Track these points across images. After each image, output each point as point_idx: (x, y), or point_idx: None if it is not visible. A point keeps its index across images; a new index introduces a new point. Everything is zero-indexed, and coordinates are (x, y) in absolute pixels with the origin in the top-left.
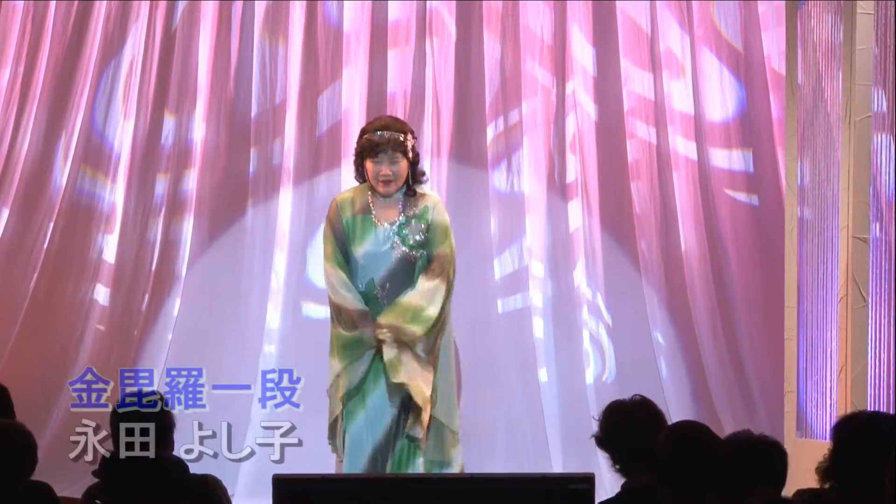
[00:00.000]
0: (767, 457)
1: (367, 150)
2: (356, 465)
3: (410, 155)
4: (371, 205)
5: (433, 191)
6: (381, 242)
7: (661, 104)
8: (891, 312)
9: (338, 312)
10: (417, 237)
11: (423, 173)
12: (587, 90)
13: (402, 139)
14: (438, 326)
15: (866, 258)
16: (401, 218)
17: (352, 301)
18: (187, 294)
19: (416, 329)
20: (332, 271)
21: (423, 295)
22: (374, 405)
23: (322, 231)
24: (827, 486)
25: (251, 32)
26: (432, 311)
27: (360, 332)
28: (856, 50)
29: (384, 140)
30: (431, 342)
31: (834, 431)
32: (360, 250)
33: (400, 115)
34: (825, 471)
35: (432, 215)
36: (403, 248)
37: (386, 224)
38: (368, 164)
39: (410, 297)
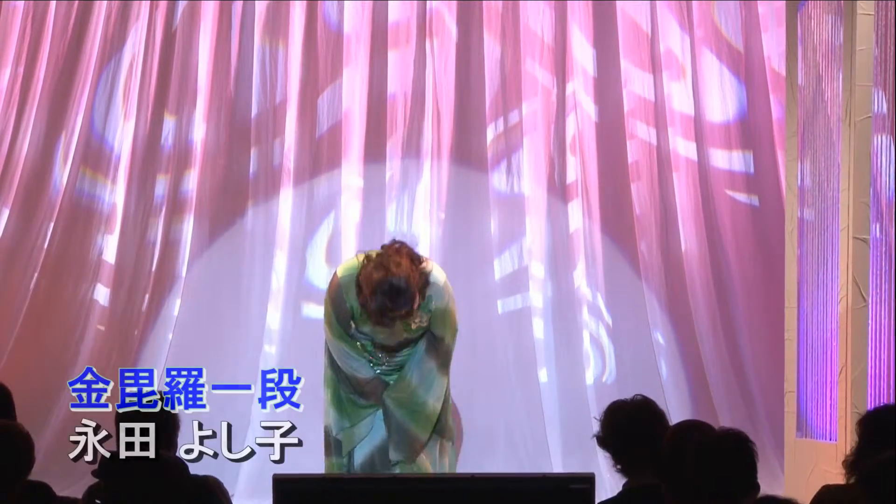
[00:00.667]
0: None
1: (372, 314)
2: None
3: (417, 303)
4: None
5: (436, 267)
6: (385, 335)
7: (661, 105)
8: (891, 313)
9: (344, 377)
10: (423, 324)
11: (427, 280)
12: (587, 91)
13: (411, 314)
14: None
15: (866, 259)
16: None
17: (363, 370)
18: (187, 294)
19: (422, 435)
20: (336, 345)
21: (424, 380)
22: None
23: (325, 306)
24: (853, 479)
25: (251, 33)
26: (432, 405)
27: (367, 401)
28: (856, 51)
29: (391, 320)
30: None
31: (860, 426)
32: (364, 329)
33: (400, 116)
34: (851, 465)
35: (435, 304)
36: (406, 335)
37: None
38: (374, 320)
39: (415, 383)
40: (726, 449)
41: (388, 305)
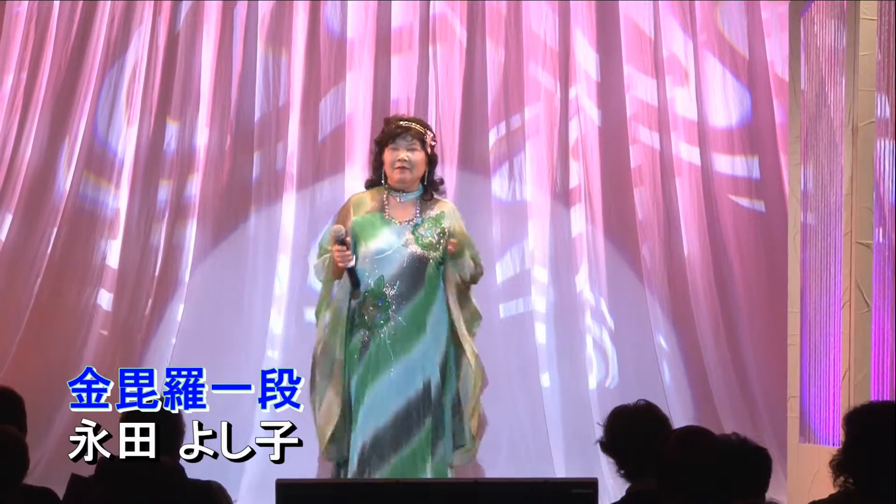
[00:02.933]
0: (747, 462)
1: (386, 137)
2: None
3: (429, 150)
4: (386, 204)
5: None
6: (393, 239)
7: (664, 109)
8: (894, 318)
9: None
10: (432, 239)
11: (442, 181)
12: (590, 95)
13: (421, 130)
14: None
15: (869, 263)
16: (416, 219)
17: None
18: (190, 299)
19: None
20: (319, 261)
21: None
22: (376, 395)
23: (327, 226)
24: (840, 480)
25: (254, 37)
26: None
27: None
28: (859, 55)
29: (404, 126)
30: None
31: (845, 424)
32: (371, 246)
33: None
34: (839, 465)
35: (450, 222)
36: (416, 247)
37: (400, 223)
38: (386, 153)
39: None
40: (751, 461)
41: (407, 116)
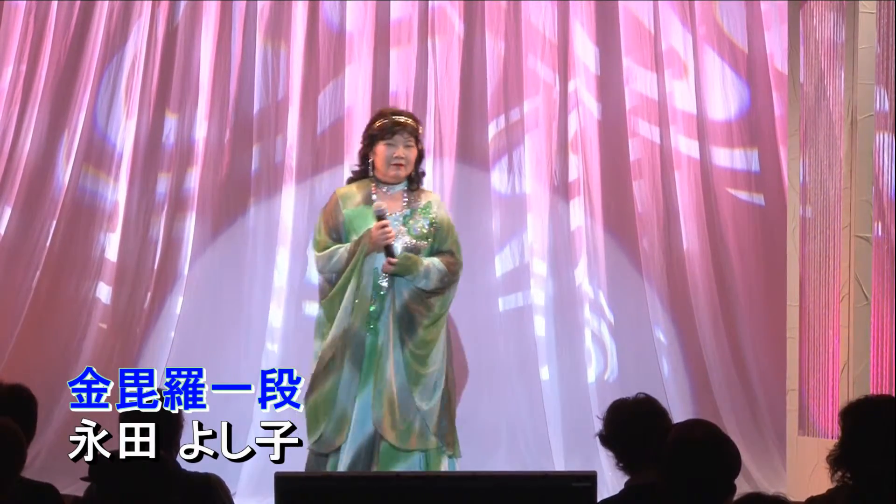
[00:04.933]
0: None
1: (384, 131)
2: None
3: (420, 146)
4: (374, 197)
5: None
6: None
7: (663, 103)
8: (893, 311)
9: (333, 265)
10: (423, 230)
11: (424, 172)
12: (589, 88)
13: (417, 127)
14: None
15: (868, 257)
16: (406, 210)
17: (341, 247)
18: (189, 292)
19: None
20: (322, 256)
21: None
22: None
23: (317, 222)
24: (838, 475)
25: (253, 30)
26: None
27: (354, 261)
28: (858, 49)
29: (402, 122)
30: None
31: (842, 418)
32: (362, 231)
33: None
34: (836, 460)
35: (437, 212)
36: (408, 238)
37: (390, 214)
38: (381, 148)
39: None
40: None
41: (400, 110)
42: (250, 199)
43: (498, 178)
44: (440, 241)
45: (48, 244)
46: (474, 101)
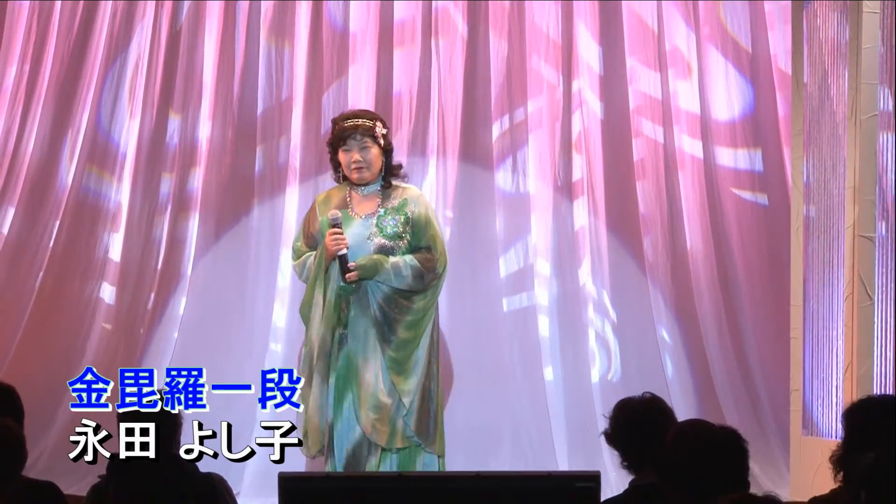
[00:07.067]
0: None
1: (337, 139)
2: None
3: (381, 142)
4: (349, 200)
5: (415, 185)
6: (358, 234)
7: (667, 103)
8: None
9: (305, 273)
10: (396, 228)
11: (401, 166)
12: (593, 88)
13: (370, 125)
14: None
15: (872, 256)
16: (379, 210)
17: (311, 255)
18: (193, 292)
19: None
20: (299, 263)
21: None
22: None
23: (297, 229)
24: (841, 475)
25: (257, 30)
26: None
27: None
28: (862, 49)
29: (351, 126)
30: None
31: (845, 418)
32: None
33: (406, 114)
34: (839, 460)
35: (413, 208)
36: (381, 239)
37: (363, 216)
38: (341, 155)
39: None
40: (719, 447)
41: (353, 112)
42: (254, 200)
43: (502, 179)
44: (417, 237)
45: (51, 244)
46: (478, 101)
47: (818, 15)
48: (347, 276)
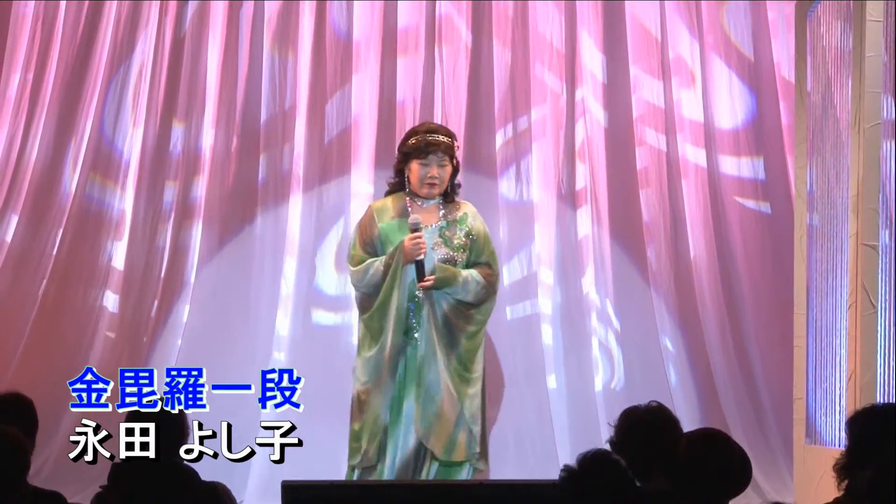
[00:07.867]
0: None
1: (418, 150)
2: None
3: (455, 161)
4: (410, 210)
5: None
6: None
7: (670, 111)
8: None
9: (369, 279)
10: (460, 240)
11: (460, 184)
12: (597, 97)
13: (451, 144)
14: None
15: (875, 265)
16: (442, 222)
17: (376, 260)
18: (196, 300)
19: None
20: (358, 270)
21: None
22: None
23: (352, 237)
24: (845, 483)
25: (260, 39)
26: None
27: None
28: (865, 57)
29: (436, 143)
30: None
31: (849, 426)
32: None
33: (409, 122)
34: (842, 468)
35: (473, 223)
36: (446, 249)
37: (427, 227)
38: (415, 166)
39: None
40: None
41: (435, 125)
42: (257, 208)
43: (505, 187)
44: (477, 252)
45: (55, 252)
46: (482, 109)
47: (821, 23)
48: (423, 283)
